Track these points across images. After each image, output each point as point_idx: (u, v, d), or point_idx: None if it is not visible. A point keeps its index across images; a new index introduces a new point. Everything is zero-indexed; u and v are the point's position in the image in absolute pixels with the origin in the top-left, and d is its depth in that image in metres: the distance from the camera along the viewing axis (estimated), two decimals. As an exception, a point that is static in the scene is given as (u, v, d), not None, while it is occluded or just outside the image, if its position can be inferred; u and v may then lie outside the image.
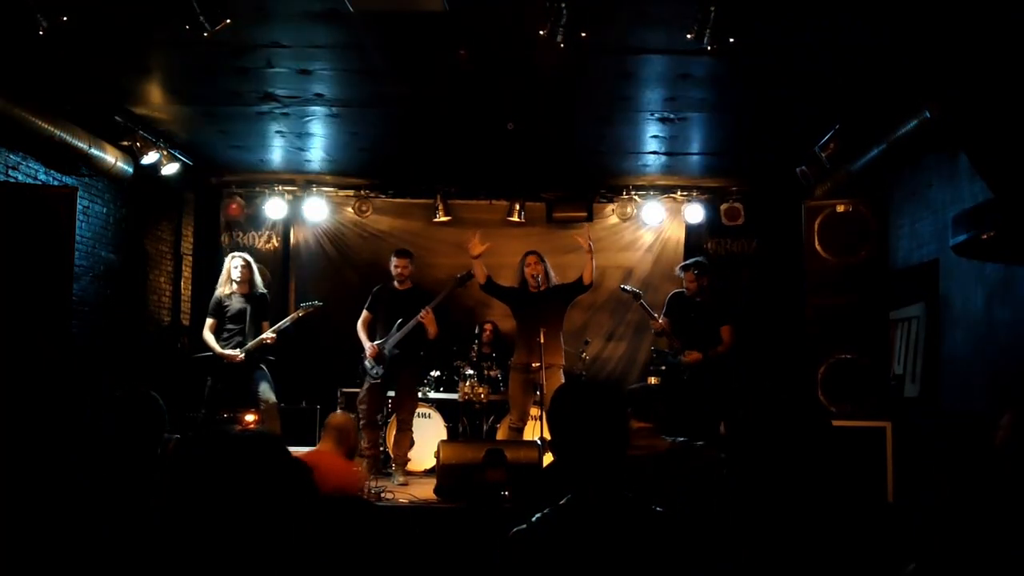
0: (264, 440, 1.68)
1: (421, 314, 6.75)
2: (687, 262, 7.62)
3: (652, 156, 7.91)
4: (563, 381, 6.62)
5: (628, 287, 7.62)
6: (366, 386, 6.91)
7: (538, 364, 6.49)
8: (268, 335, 7.04)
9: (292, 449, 2.42)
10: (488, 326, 8.51)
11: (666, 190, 8.99)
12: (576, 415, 2.15)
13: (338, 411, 4.67)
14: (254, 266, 7.27)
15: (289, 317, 7.28)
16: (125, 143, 6.96)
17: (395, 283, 7.01)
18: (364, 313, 7.03)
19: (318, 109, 6.65)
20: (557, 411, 2.19)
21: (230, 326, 7.09)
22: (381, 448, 7.15)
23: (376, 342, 6.85)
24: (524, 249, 7.11)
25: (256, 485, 1.59)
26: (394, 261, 7.00)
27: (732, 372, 7.11)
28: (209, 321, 7.13)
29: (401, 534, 1.96)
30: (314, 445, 7.60)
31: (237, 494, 1.57)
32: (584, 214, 8.95)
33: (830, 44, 5.12)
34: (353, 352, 7.05)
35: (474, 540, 4.83)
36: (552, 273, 6.88)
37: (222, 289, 7.17)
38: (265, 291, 7.39)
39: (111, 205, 7.46)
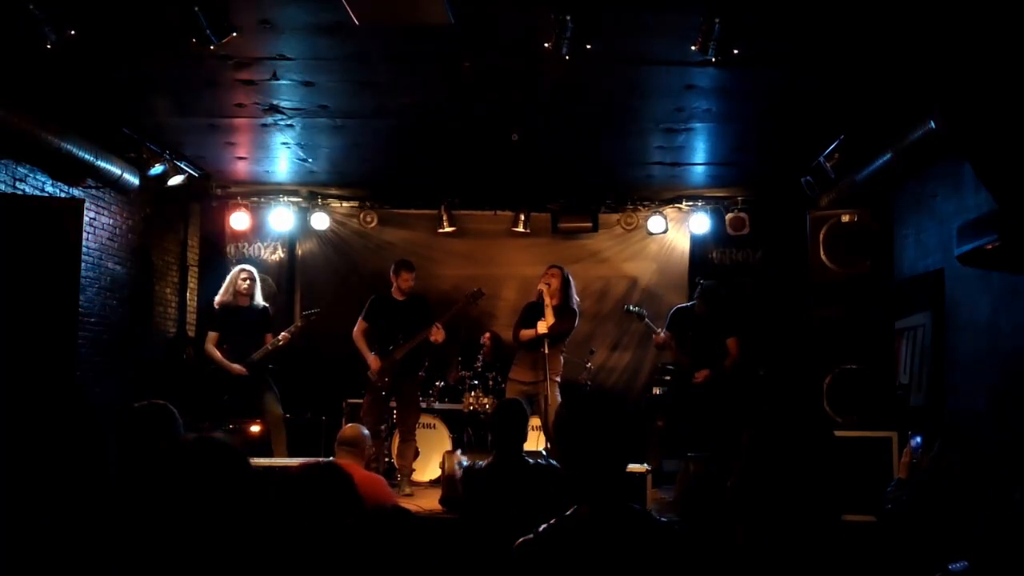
0: (221, 449, 1.67)
1: (431, 331, 6.73)
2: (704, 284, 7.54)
3: (657, 166, 7.91)
4: (558, 395, 6.61)
5: (633, 308, 7.61)
6: (368, 398, 6.90)
7: (541, 377, 6.49)
8: (275, 340, 7.05)
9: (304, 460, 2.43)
10: (487, 335, 8.40)
11: (671, 200, 8.99)
12: (581, 427, 2.15)
13: (346, 425, 4.64)
14: (257, 278, 7.28)
15: (292, 326, 7.29)
16: (131, 155, 6.99)
17: (394, 294, 6.99)
18: (362, 323, 6.96)
19: (323, 120, 6.67)
20: (562, 423, 2.20)
21: (233, 338, 7.10)
22: (386, 459, 7.14)
23: (380, 355, 6.83)
24: (529, 260, 7.11)
25: (212, 494, 1.58)
26: (403, 275, 6.92)
27: (737, 384, 7.09)
28: (211, 334, 7.13)
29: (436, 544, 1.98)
30: (319, 457, 7.64)
31: (195, 503, 1.56)
32: (589, 224, 8.94)
33: (834, 53, 5.12)
34: (359, 364, 7.02)
35: (480, 551, 4.81)
36: (573, 291, 6.86)
37: (225, 300, 7.17)
38: (267, 304, 7.40)
39: (117, 217, 7.49)
